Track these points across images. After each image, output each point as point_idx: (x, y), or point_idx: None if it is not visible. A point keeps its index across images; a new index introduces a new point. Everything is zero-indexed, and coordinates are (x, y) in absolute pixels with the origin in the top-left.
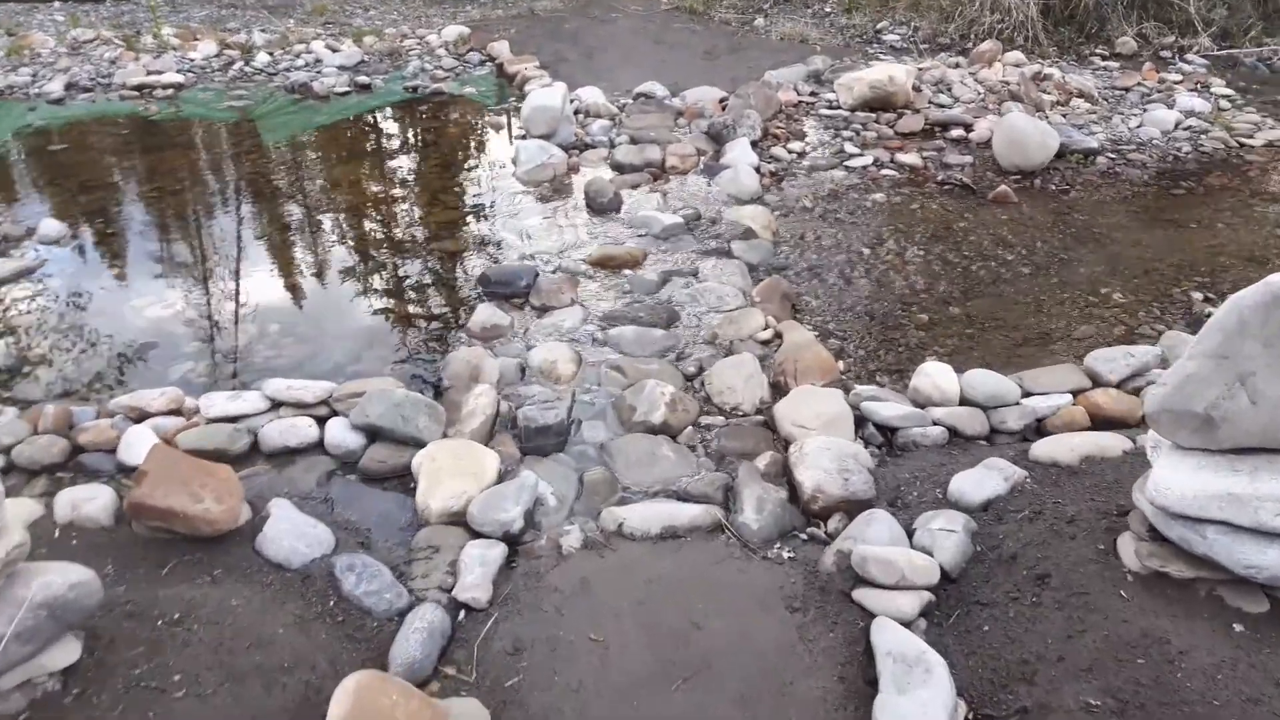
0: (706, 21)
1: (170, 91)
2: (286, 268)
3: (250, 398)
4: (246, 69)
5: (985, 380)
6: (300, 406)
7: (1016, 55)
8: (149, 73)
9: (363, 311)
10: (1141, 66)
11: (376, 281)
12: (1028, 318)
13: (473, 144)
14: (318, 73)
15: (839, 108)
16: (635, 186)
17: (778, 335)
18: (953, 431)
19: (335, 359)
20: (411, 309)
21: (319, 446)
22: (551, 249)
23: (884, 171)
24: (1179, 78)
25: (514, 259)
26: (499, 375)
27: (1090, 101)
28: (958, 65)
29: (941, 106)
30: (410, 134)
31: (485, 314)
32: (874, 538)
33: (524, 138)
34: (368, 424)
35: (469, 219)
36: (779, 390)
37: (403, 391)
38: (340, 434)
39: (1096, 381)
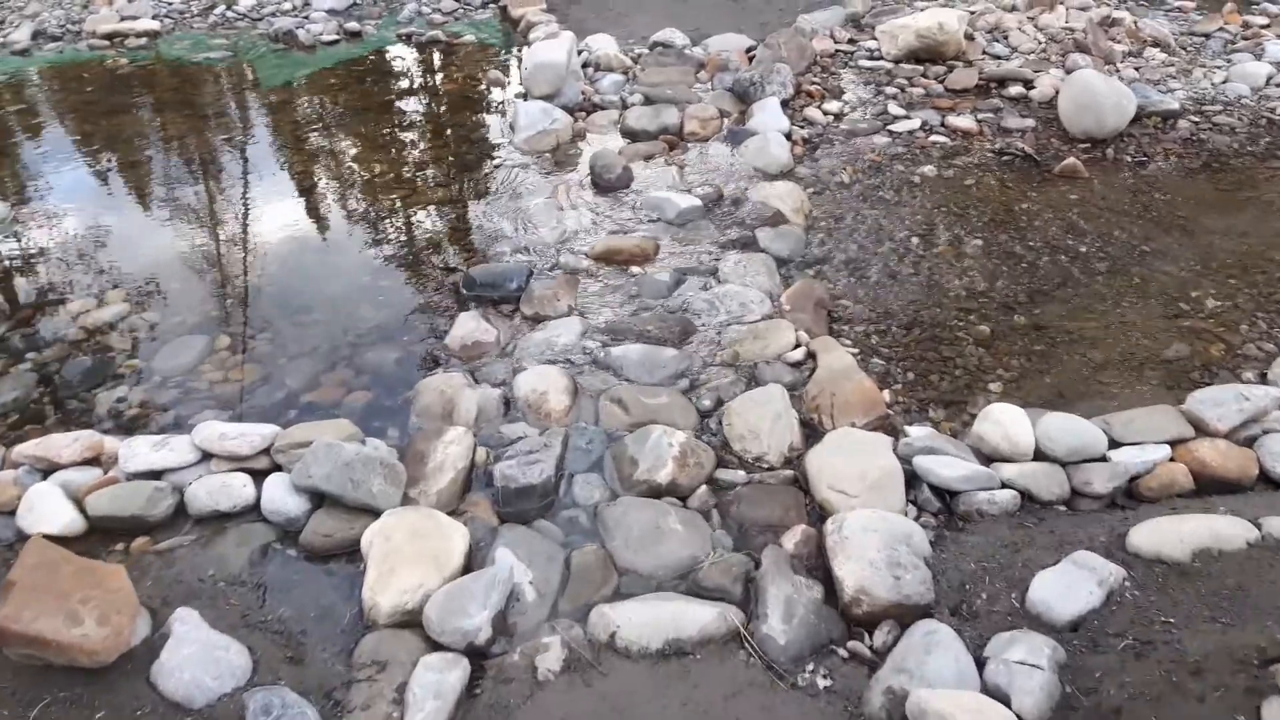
0: None
1: (144, 41)
2: (235, 266)
3: (179, 446)
4: (228, 14)
5: (1066, 430)
6: (235, 459)
7: None
8: (122, 19)
9: (325, 321)
10: (1222, 7)
11: (342, 282)
12: (1107, 331)
13: (468, 104)
14: (305, 18)
15: (881, 58)
16: (649, 158)
17: (811, 356)
18: (1025, 495)
19: (289, 383)
20: (382, 317)
21: (256, 509)
22: (549, 238)
23: (933, 138)
24: (1265, 21)
25: (506, 251)
26: (477, 410)
27: (1166, 51)
28: (1014, 8)
29: (997, 58)
30: (397, 92)
31: (467, 326)
32: (935, 674)
33: (524, 98)
34: (311, 486)
35: (456, 200)
36: (812, 431)
37: (353, 448)
38: (280, 497)
39: (1200, 429)
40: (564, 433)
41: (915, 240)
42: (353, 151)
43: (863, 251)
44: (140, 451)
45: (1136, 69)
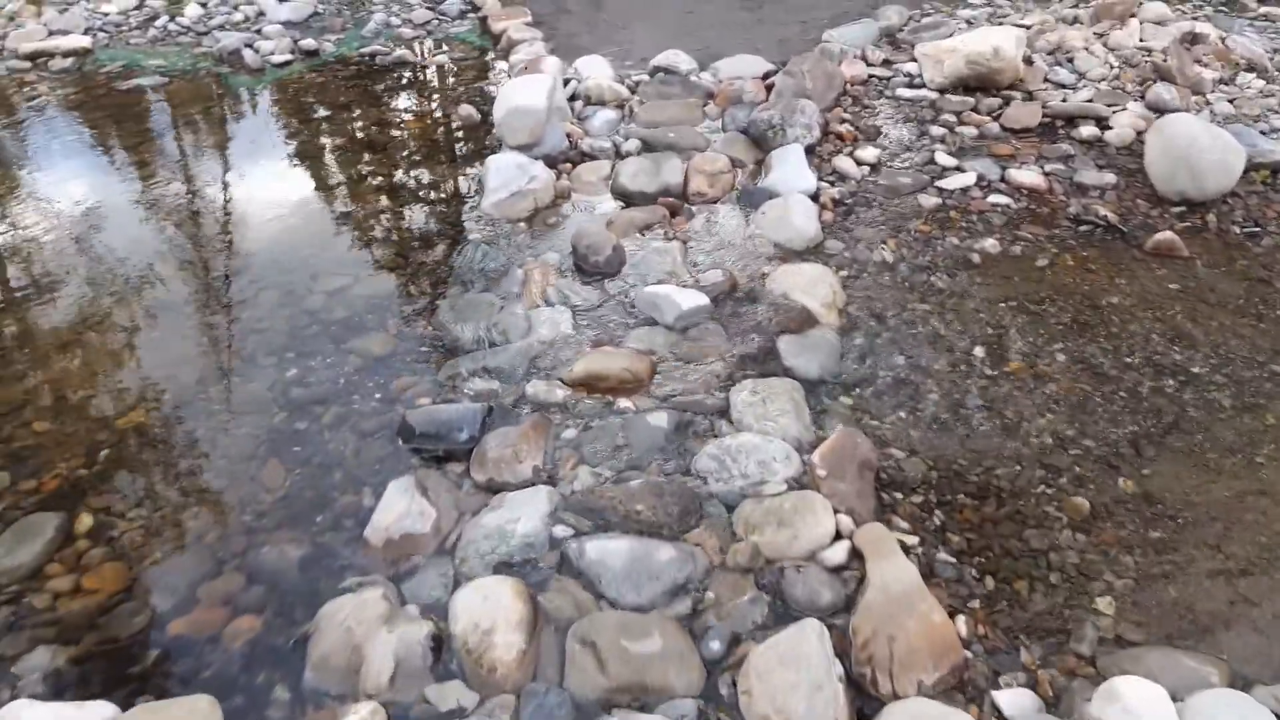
0: None
1: (69, 61)
2: (107, 406)
3: None
4: (171, 26)
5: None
6: None
7: (1158, 7)
8: (51, 33)
9: (218, 490)
10: None
11: (245, 430)
12: (1243, 504)
13: (430, 152)
14: (257, 31)
15: (923, 86)
16: (645, 229)
17: (857, 557)
18: None
19: (157, 601)
20: (293, 484)
21: None
22: (515, 356)
23: (993, 198)
24: None
25: (459, 378)
26: (394, 665)
27: (1264, 77)
28: (1076, 21)
29: (1062, 87)
30: (342, 136)
31: (395, 507)
32: None
33: (496, 150)
34: None
35: (398, 298)
36: (864, 694)
37: None
38: None
39: None
40: (514, 703)
41: (980, 352)
42: (267, 219)
43: (914, 369)
44: None
45: (1231, 101)
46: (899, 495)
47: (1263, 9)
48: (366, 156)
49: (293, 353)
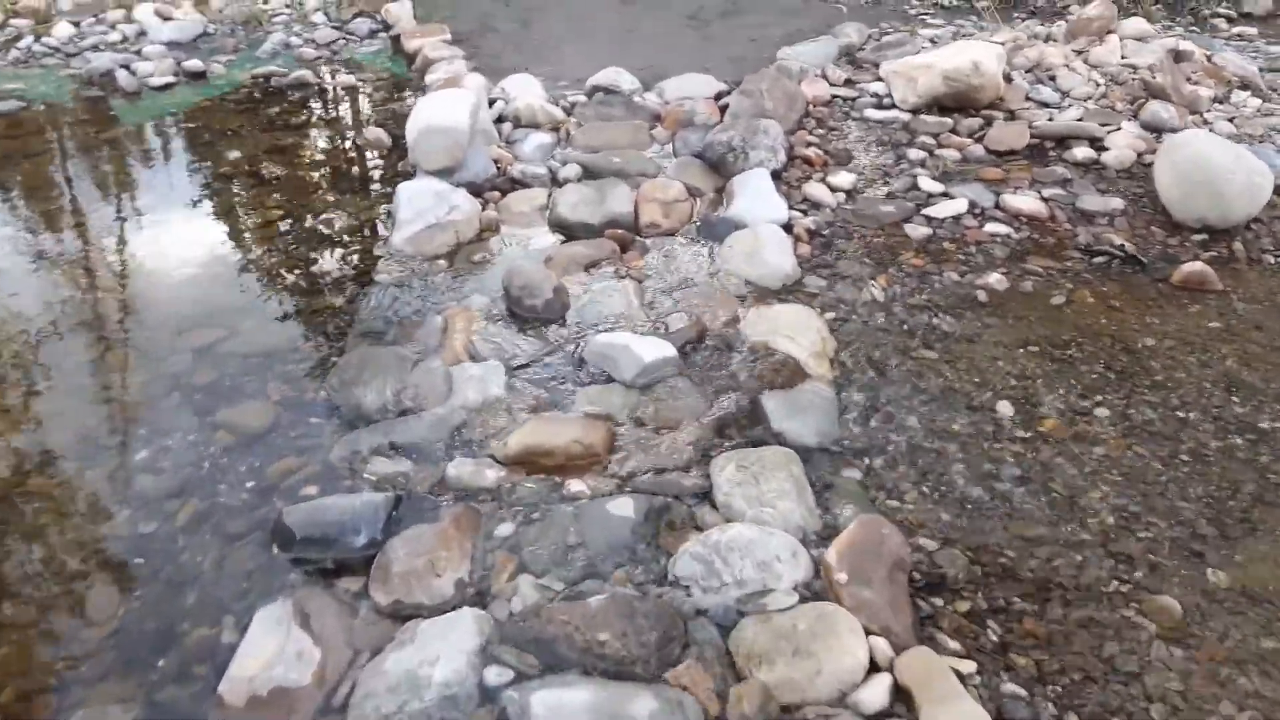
0: None
1: None
2: None
3: None
4: (35, 47)
5: None
6: None
7: (1137, 24)
8: None
9: (8, 643)
10: None
11: (75, 534)
12: None
13: (330, 181)
14: (136, 52)
15: (894, 106)
16: (591, 266)
17: (903, 696)
18: None
19: None
20: (127, 613)
21: None
22: (432, 427)
23: (989, 227)
24: None
25: (357, 459)
26: None
27: (1258, 95)
28: (1050, 39)
29: (1046, 106)
30: (230, 161)
31: (265, 646)
32: None
33: (410, 177)
34: None
35: (283, 355)
36: None
37: None
38: None
39: None
40: None
41: (1006, 410)
42: (125, 264)
43: (930, 432)
44: None
45: (1231, 120)
46: (939, 602)
47: (1234, 29)
48: (254, 190)
49: (144, 429)
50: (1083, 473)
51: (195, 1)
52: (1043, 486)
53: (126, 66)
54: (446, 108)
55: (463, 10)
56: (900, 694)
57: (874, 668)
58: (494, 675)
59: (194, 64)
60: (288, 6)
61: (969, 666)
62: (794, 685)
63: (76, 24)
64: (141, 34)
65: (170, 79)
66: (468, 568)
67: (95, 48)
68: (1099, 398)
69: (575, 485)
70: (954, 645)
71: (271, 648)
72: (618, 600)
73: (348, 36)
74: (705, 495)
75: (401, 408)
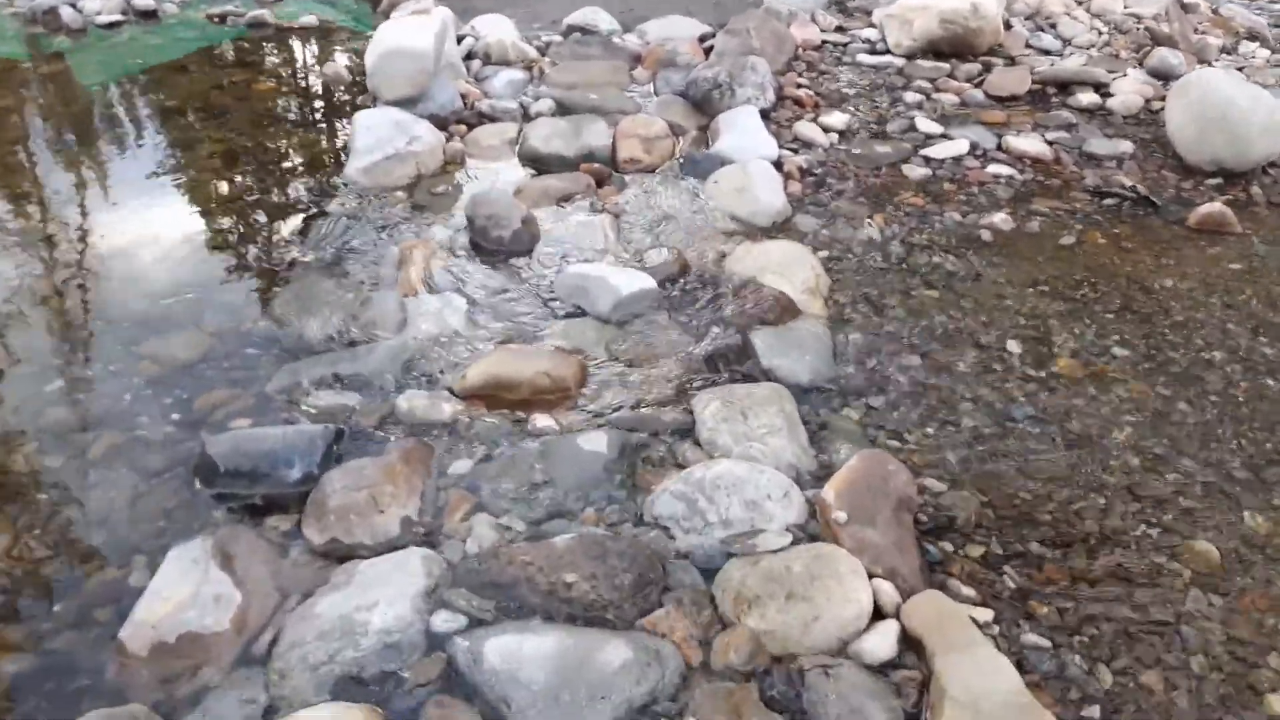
0: None
1: None
2: None
3: None
4: None
5: None
6: None
7: None
8: None
9: None
10: None
11: None
12: None
13: (283, 116)
14: None
15: (888, 51)
16: (564, 200)
17: (913, 644)
18: None
19: None
20: (18, 560)
21: None
22: (381, 362)
23: (992, 168)
24: None
25: (297, 391)
26: None
27: (1266, 45)
28: None
29: (1047, 53)
30: (177, 95)
31: (176, 589)
32: None
33: (372, 105)
34: None
35: (220, 284)
36: None
37: None
38: None
39: None
40: None
41: (1015, 348)
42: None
43: (934, 371)
44: None
45: (1240, 69)
46: (948, 546)
47: None
48: (203, 122)
49: (58, 360)
50: (1101, 413)
51: None
52: (1059, 427)
53: (72, 3)
54: (409, 32)
55: None
56: (909, 643)
57: (878, 615)
58: (442, 621)
59: (145, 2)
60: None
61: (985, 614)
62: (787, 633)
63: None
64: None
65: (118, 17)
66: (416, 505)
67: None
68: (1115, 337)
69: (542, 421)
70: (968, 592)
71: (184, 590)
72: (587, 540)
73: None
74: (687, 432)
75: (349, 339)
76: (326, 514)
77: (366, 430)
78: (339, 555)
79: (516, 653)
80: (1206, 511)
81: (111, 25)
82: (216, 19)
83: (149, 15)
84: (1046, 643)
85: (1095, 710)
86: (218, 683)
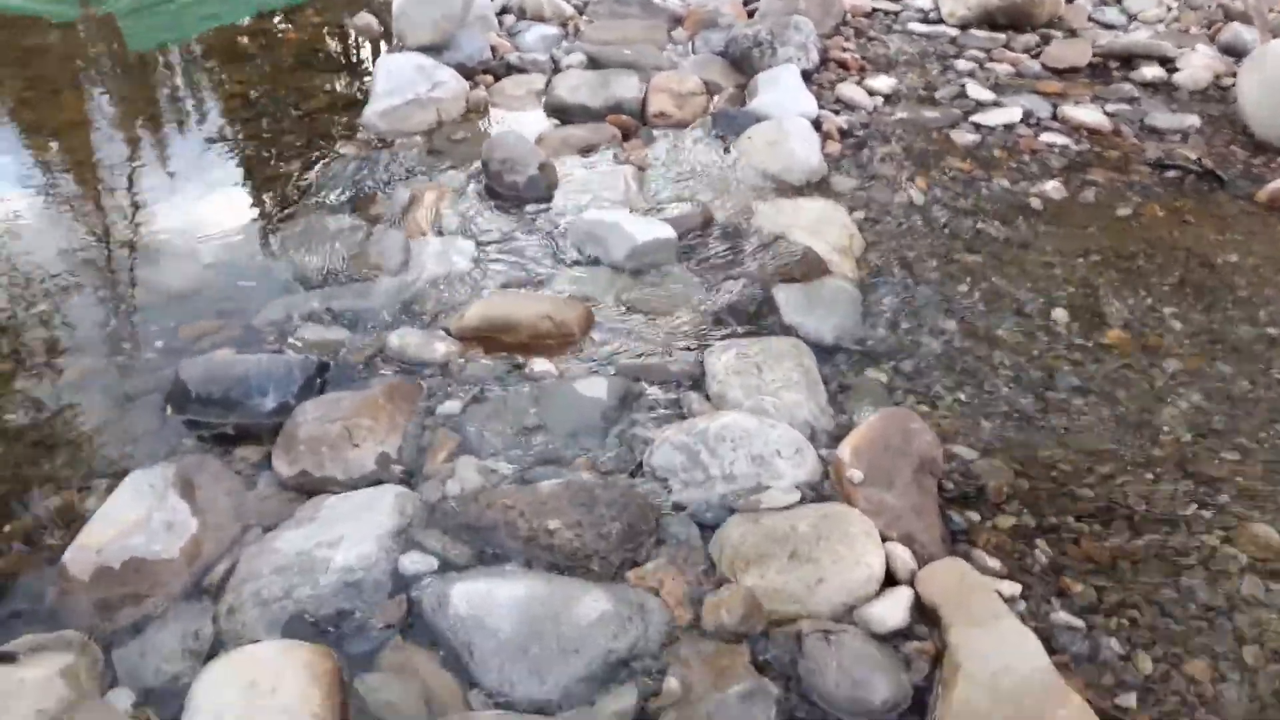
0: None
1: None
2: None
3: None
4: None
5: None
6: None
7: None
8: None
9: None
10: None
11: None
12: None
13: (306, 64)
14: None
15: (939, 21)
16: (587, 150)
17: (928, 614)
18: None
19: None
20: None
21: None
22: (378, 299)
23: (1045, 137)
24: None
25: (287, 324)
26: None
27: None
28: None
29: (1110, 27)
30: (204, 41)
31: (125, 513)
32: None
33: (396, 51)
34: None
35: (221, 218)
36: None
37: None
38: None
39: None
40: None
41: (1061, 316)
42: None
43: (971, 337)
44: None
45: None
46: (975, 516)
47: None
48: (226, 65)
49: (46, 286)
50: (1154, 386)
51: None
52: (1105, 398)
53: None
54: None
55: None
56: (924, 613)
57: (891, 581)
58: (412, 563)
59: None
60: None
61: (1012, 588)
62: (788, 593)
63: None
64: None
65: None
66: (396, 443)
67: None
68: (1171, 309)
69: (540, 365)
70: (993, 564)
71: (134, 515)
72: (575, 486)
73: None
74: (697, 383)
75: (348, 277)
76: (296, 444)
77: (354, 366)
78: (308, 489)
79: (485, 598)
80: (1266, 493)
81: None
82: None
83: None
84: (1079, 623)
85: (1131, 698)
86: (163, 613)
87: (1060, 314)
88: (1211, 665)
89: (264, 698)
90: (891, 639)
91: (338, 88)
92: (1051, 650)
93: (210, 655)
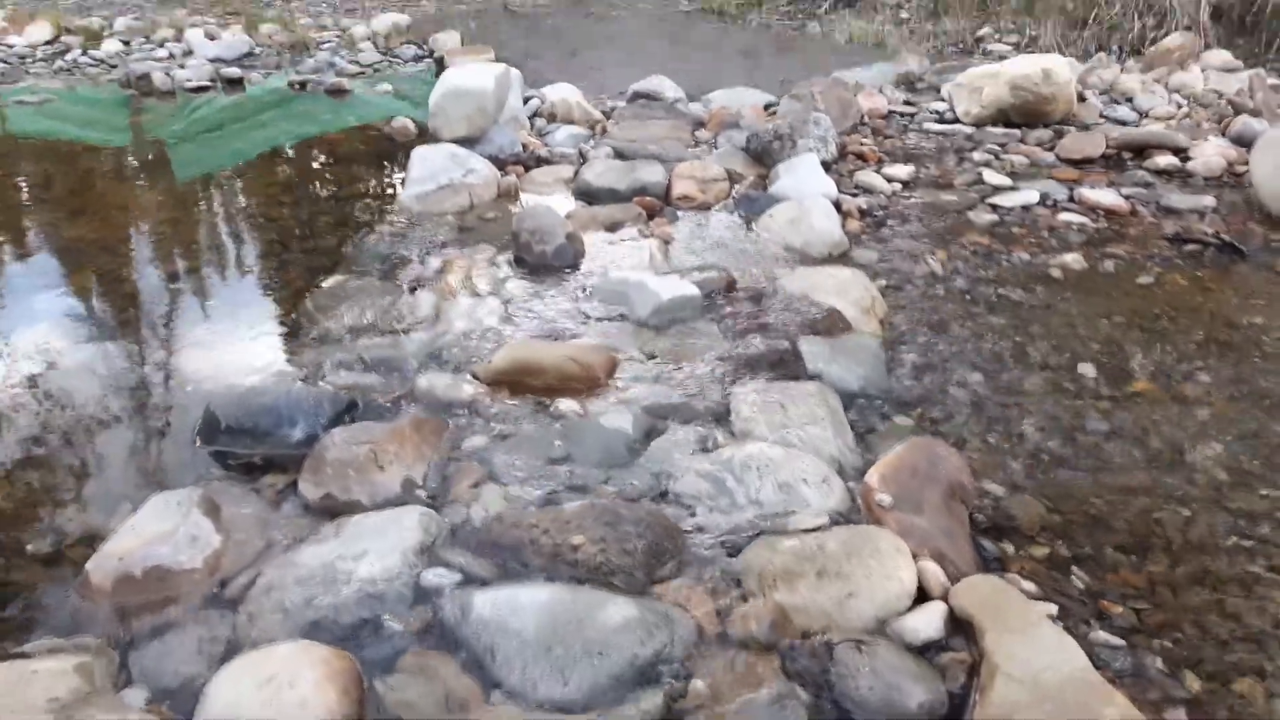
0: (743, 25)
1: None
2: None
3: None
4: (82, 59)
5: None
6: None
7: (1221, 55)
8: None
9: None
10: None
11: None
12: None
13: (349, 156)
14: (182, 64)
15: (955, 121)
16: (614, 227)
17: (963, 627)
18: None
19: None
20: (4, 499)
21: None
22: (409, 349)
23: (1064, 215)
24: None
25: (321, 370)
26: None
27: None
28: (1124, 71)
29: (1123, 124)
30: (251, 140)
31: (149, 527)
32: None
33: (431, 143)
34: None
35: (260, 285)
36: None
37: None
38: None
39: None
40: None
41: (1089, 370)
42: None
43: (997, 389)
44: None
45: None
46: (1009, 547)
47: None
48: (269, 163)
49: (92, 330)
50: (1186, 432)
51: (246, 26)
52: (1136, 442)
53: (165, 70)
54: (471, 73)
55: (511, 42)
56: (959, 626)
57: (923, 597)
58: (435, 576)
59: (232, 71)
60: (337, 35)
61: (1049, 608)
62: (818, 609)
63: (126, 42)
64: (188, 53)
65: (206, 83)
66: (422, 470)
67: (143, 59)
68: (1198, 365)
69: (566, 404)
70: (1028, 587)
71: (159, 528)
72: (599, 506)
73: (392, 60)
74: (721, 419)
75: (381, 330)
76: (323, 467)
77: (382, 406)
78: (334, 512)
79: (509, 602)
80: None
81: (199, 89)
82: (297, 86)
83: (235, 83)
84: (1120, 641)
85: (1180, 713)
86: (182, 620)
87: (1087, 368)
88: (1264, 685)
89: (280, 692)
90: (925, 650)
91: (375, 178)
92: (1094, 665)
93: (225, 658)
